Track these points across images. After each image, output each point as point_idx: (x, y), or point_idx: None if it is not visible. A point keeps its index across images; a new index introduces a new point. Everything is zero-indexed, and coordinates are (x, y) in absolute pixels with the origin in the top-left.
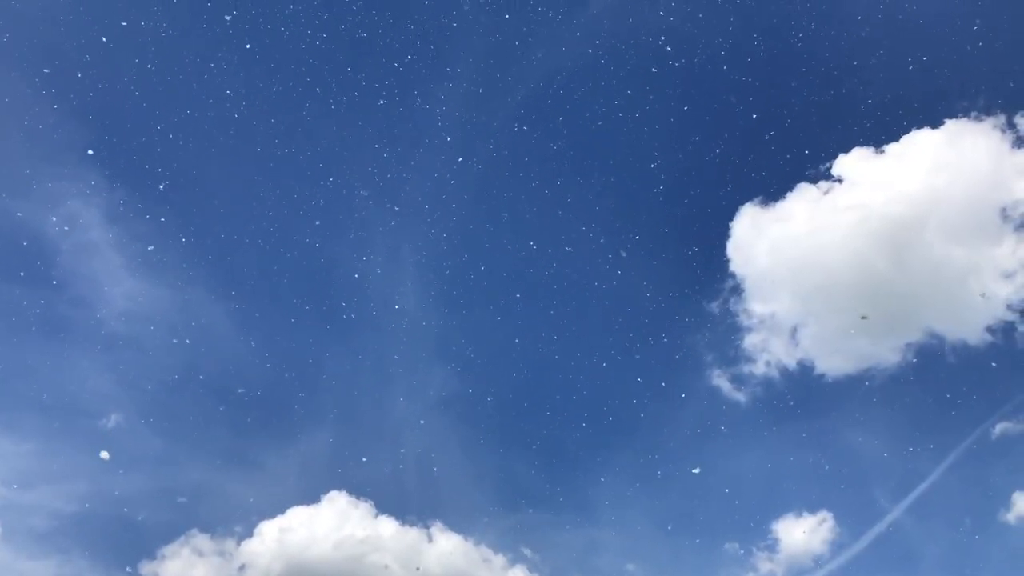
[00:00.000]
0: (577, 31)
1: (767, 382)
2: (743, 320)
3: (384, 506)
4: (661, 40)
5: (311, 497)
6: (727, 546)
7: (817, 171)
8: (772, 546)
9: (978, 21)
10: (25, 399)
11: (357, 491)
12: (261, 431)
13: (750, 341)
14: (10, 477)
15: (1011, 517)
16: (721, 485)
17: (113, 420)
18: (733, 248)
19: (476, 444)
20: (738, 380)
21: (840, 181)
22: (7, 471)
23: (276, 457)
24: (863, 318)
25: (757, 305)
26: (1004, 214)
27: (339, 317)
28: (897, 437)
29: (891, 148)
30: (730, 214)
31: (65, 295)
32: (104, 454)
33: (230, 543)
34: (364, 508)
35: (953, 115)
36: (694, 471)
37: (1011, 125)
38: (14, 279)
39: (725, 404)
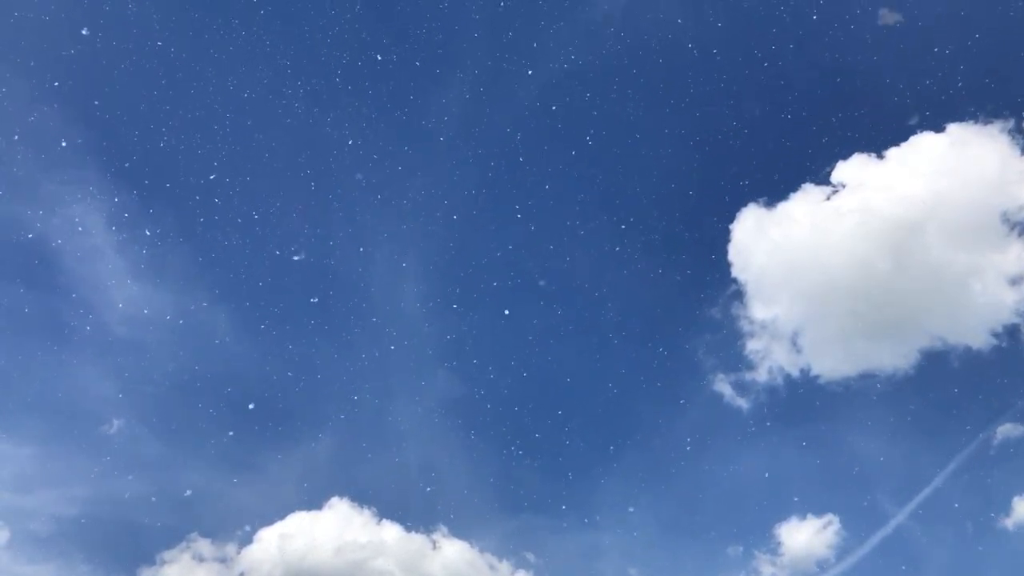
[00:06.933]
0: (579, 33)
1: (769, 387)
2: (744, 325)
3: (387, 512)
4: (663, 42)
5: (313, 502)
6: (730, 550)
7: (819, 175)
8: (775, 550)
9: (984, 23)
10: (26, 402)
11: (360, 496)
12: (263, 436)
13: (752, 346)
14: (11, 481)
15: (1010, 523)
16: (724, 489)
17: (115, 424)
18: (735, 252)
19: (478, 448)
20: (740, 385)
21: (842, 185)
22: (8, 474)
23: (277, 462)
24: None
25: (759, 310)
26: (1005, 218)
27: (341, 321)
28: (901, 441)
29: (894, 152)
30: (731, 218)
31: (68, 299)
32: None
33: (231, 548)
34: (367, 514)
35: (959, 119)
36: None
37: (1020, 130)
38: (16, 282)
39: (727, 409)
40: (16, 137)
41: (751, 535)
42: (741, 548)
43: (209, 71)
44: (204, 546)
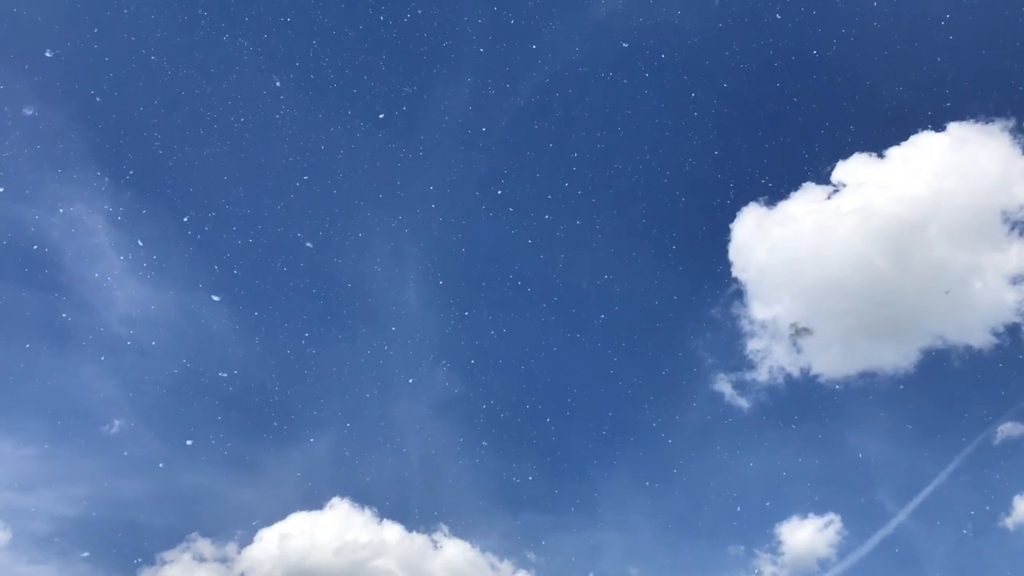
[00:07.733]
0: (579, 33)
1: (770, 386)
2: (744, 325)
3: (388, 511)
4: (662, 42)
5: (313, 502)
6: (730, 549)
7: (819, 174)
8: (776, 549)
9: (984, 23)
10: (28, 403)
11: (360, 496)
12: (263, 436)
13: (752, 346)
14: (12, 480)
15: (1011, 522)
16: (724, 488)
17: (115, 424)
18: (735, 252)
19: (479, 448)
20: (741, 384)
21: (843, 185)
22: (9, 474)
23: (278, 462)
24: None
25: (759, 310)
26: (1005, 218)
27: (342, 321)
28: (901, 440)
29: (895, 152)
30: (731, 218)
31: (69, 299)
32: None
33: (231, 548)
34: (367, 514)
35: (960, 118)
36: None
37: (1021, 129)
38: (18, 282)
39: (728, 408)
40: (16, 137)
41: (752, 534)
42: (742, 547)
43: (209, 71)
44: (204, 546)
